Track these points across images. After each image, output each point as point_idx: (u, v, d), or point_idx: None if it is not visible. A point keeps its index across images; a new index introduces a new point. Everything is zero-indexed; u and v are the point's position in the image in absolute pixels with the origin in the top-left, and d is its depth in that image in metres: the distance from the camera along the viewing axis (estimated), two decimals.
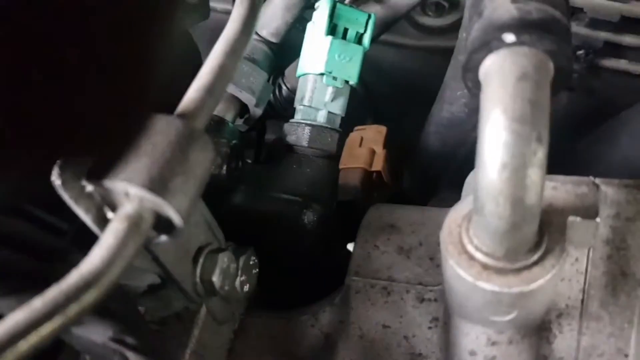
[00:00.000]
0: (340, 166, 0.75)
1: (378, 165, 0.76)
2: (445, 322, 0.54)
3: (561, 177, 0.53)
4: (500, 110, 0.38)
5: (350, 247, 0.77)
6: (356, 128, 0.81)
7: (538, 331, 0.50)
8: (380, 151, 0.78)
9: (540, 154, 0.38)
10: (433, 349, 0.55)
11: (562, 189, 0.51)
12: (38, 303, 0.33)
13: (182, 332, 0.56)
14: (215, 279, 0.50)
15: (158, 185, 0.38)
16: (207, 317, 0.58)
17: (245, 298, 0.63)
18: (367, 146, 0.78)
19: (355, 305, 0.58)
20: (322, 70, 0.69)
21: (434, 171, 0.75)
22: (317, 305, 0.62)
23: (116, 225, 0.37)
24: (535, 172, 0.38)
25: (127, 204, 0.38)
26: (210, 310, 0.57)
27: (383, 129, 0.81)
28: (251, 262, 0.58)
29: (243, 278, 0.57)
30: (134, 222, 0.38)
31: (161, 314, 0.54)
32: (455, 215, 0.48)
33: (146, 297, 0.49)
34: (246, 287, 0.57)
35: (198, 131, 0.39)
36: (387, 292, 0.58)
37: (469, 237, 0.45)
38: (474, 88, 0.62)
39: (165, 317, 0.57)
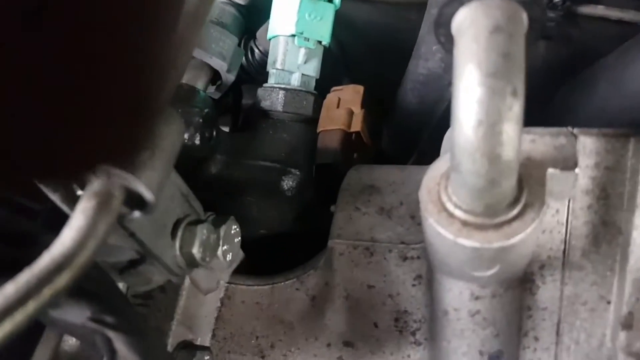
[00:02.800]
0: (319, 129, 0.74)
1: (357, 125, 0.75)
2: (428, 279, 0.54)
3: (539, 129, 0.52)
4: (474, 66, 0.37)
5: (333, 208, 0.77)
6: (333, 89, 0.80)
7: (521, 283, 0.50)
8: (358, 111, 0.76)
9: (516, 109, 0.38)
10: (418, 305, 0.55)
11: (540, 142, 0.51)
12: (10, 289, 0.32)
13: (168, 304, 0.56)
14: (195, 251, 0.50)
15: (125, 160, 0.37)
16: (192, 287, 0.58)
17: (229, 267, 0.63)
18: (345, 107, 0.76)
19: (339, 267, 0.58)
20: (293, 32, 0.67)
21: (412, 129, 0.75)
22: (301, 269, 0.62)
23: (85, 203, 0.36)
24: (511, 127, 0.38)
25: (95, 181, 0.37)
26: (193, 281, 0.57)
27: (360, 89, 0.80)
28: (232, 231, 0.57)
29: (225, 247, 0.56)
30: (104, 200, 0.37)
31: (144, 289, 0.53)
32: (433, 173, 0.47)
33: (126, 273, 0.48)
34: (229, 256, 0.57)
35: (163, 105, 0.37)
36: (370, 252, 0.58)
37: (447, 195, 0.44)
38: (447, 43, 0.61)
39: (149, 291, 0.57)
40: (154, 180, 0.40)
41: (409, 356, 0.55)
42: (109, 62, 0.28)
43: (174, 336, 0.54)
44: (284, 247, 0.68)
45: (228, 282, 0.63)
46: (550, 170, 0.45)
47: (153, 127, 0.39)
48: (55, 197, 0.38)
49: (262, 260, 0.66)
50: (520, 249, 0.44)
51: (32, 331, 0.41)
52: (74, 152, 0.31)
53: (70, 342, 0.50)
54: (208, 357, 0.55)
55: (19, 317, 0.32)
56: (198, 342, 0.59)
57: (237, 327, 0.61)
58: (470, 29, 0.38)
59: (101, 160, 0.36)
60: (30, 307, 0.32)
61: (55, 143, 0.30)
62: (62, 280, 0.34)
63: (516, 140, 0.39)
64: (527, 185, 0.44)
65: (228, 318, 0.61)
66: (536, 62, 0.73)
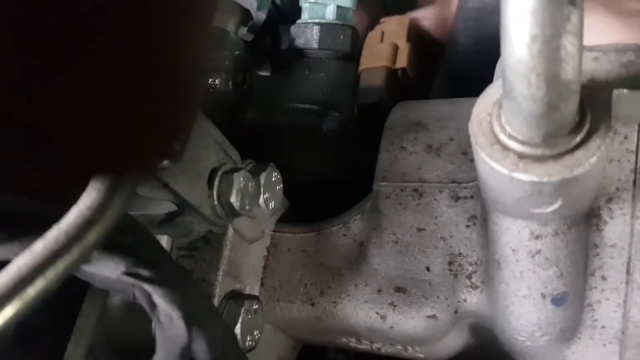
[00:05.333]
0: (361, 67, 0.70)
1: (403, 61, 0.70)
2: (484, 219, 0.51)
3: (602, 45, 0.47)
4: None
5: None
6: (380, 21, 0.75)
7: (586, 219, 0.46)
8: (404, 45, 0.71)
9: (574, 19, 0.33)
10: (473, 247, 0.52)
11: (604, 59, 0.45)
12: (39, 247, 0.31)
13: (212, 255, 0.55)
14: (233, 199, 0.48)
15: None
16: (236, 237, 0.56)
17: (273, 215, 0.61)
18: (389, 41, 0.71)
19: (386, 211, 0.55)
20: None
21: (467, 73, 0.69)
22: (346, 214, 0.60)
23: None
24: (570, 42, 0.33)
25: None
26: (237, 230, 0.56)
27: (405, 20, 0.74)
28: (273, 179, 0.55)
29: (267, 195, 0.54)
30: None
31: (185, 240, 0.52)
32: (483, 102, 0.43)
33: (165, 225, 0.47)
34: (272, 204, 0.55)
35: None
36: (418, 194, 0.54)
37: (500, 126, 0.40)
38: None
39: (193, 242, 0.56)
40: None
41: (464, 300, 0.52)
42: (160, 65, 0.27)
43: (221, 287, 0.53)
44: (328, 193, 0.65)
45: (273, 231, 0.62)
46: (617, 91, 0.40)
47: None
48: None
49: (306, 206, 0.64)
50: (584, 181, 0.39)
51: (77, 286, 0.41)
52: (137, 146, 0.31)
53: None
54: (257, 306, 0.54)
55: (51, 275, 0.31)
56: (247, 292, 0.58)
57: (284, 275, 0.60)
58: None
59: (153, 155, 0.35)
60: (61, 264, 0.31)
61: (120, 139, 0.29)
62: (92, 236, 0.32)
63: (577, 56, 0.34)
64: (591, 109, 0.40)
65: (275, 266, 0.60)
66: None
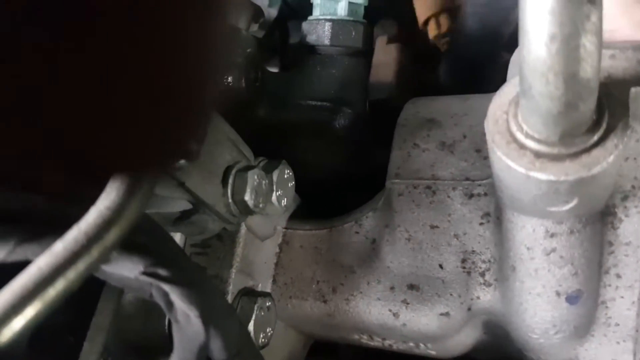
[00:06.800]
0: (421, 20, 0.70)
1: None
2: (498, 217, 0.51)
3: (619, 43, 0.46)
4: None
5: None
6: None
7: (601, 217, 0.46)
8: None
9: (594, 18, 0.32)
10: (486, 245, 0.52)
11: (621, 56, 0.45)
12: (59, 247, 0.31)
13: (226, 252, 0.55)
14: (248, 197, 0.48)
15: None
16: (248, 234, 0.56)
17: (285, 212, 0.61)
18: None
19: (399, 208, 0.55)
20: None
21: (475, 59, 0.68)
22: (359, 211, 0.60)
23: None
24: (590, 41, 0.33)
25: None
26: (250, 228, 0.56)
27: None
28: (285, 176, 0.55)
29: (279, 192, 0.54)
30: None
31: (200, 238, 0.52)
32: (500, 100, 0.43)
33: (180, 223, 0.47)
34: (284, 202, 0.55)
35: None
36: (431, 191, 0.54)
37: (517, 124, 0.40)
38: None
39: (207, 240, 0.56)
40: None
41: (478, 298, 0.52)
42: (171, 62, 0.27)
43: (234, 284, 0.54)
44: (340, 189, 0.65)
45: (285, 227, 0.62)
46: (635, 89, 0.40)
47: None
48: None
49: (318, 203, 0.64)
50: (601, 180, 0.39)
51: (94, 284, 0.41)
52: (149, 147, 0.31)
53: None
54: (269, 303, 0.54)
55: (71, 275, 0.31)
56: (259, 289, 0.58)
57: (297, 272, 0.60)
58: None
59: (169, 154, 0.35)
60: (81, 265, 0.31)
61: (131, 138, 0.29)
62: (111, 236, 0.32)
63: (596, 55, 0.34)
64: (608, 108, 0.39)
65: (287, 263, 0.60)
66: None
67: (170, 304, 0.36)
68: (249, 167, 0.49)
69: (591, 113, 0.38)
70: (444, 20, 0.72)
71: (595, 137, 0.38)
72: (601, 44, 0.34)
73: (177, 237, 0.55)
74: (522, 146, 0.39)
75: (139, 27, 0.26)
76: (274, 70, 0.80)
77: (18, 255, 0.34)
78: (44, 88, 0.24)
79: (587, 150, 0.38)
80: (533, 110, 0.37)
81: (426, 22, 0.74)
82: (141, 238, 0.37)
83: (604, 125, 0.39)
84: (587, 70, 0.34)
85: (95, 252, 0.32)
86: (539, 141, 0.38)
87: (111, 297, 0.46)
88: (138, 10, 0.25)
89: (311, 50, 0.63)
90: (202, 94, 0.32)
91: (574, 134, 0.38)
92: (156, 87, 0.29)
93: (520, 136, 0.39)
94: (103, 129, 0.28)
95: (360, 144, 0.64)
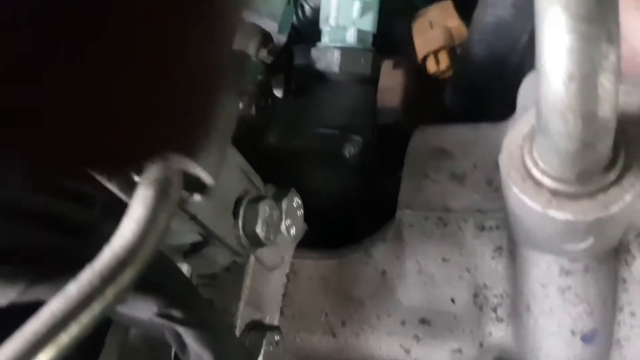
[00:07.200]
0: (420, 56, 0.73)
1: (462, 35, 0.73)
2: (510, 251, 0.50)
3: (634, 78, 0.46)
4: (561, 8, 0.32)
5: None
6: (417, 14, 0.77)
7: (615, 254, 0.45)
8: (457, 23, 0.74)
9: (612, 57, 0.32)
10: (499, 279, 0.51)
11: (636, 93, 0.45)
12: (73, 290, 0.31)
13: (234, 284, 0.54)
14: (259, 229, 0.47)
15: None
16: (257, 265, 0.56)
17: (293, 241, 0.60)
18: (440, 25, 0.74)
19: (410, 240, 0.55)
20: None
21: (481, 85, 0.68)
22: (368, 241, 0.59)
23: (144, 192, 0.34)
24: (608, 80, 0.33)
25: (152, 168, 0.35)
26: (258, 258, 0.55)
27: (448, 3, 0.75)
28: (294, 205, 0.55)
29: (288, 222, 0.54)
30: (163, 187, 0.34)
31: (209, 271, 0.52)
32: (514, 135, 0.42)
33: (190, 256, 0.46)
34: (293, 231, 0.54)
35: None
36: (443, 223, 0.54)
37: (533, 160, 0.40)
38: None
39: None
40: (212, 162, 0.37)
41: (490, 333, 0.51)
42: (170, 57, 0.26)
43: (242, 317, 0.53)
44: (348, 217, 0.65)
45: (293, 257, 0.61)
46: None
47: (216, 105, 0.36)
48: (112, 186, 0.36)
49: (326, 231, 0.63)
50: (618, 218, 0.39)
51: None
52: (135, 138, 0.29)
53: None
54: (278, 337, 0.54)
55: (85, 319, 0.30)
56: (267, 321, 0.57)
57: (305, 304, 0.59)
58: None
59: (163, 146, 0.33)
60: (96, 307, 0.31)
61: (115, 129, 0.27)
62: (126, 277, 0.32)
63: (613, 94, 0.34)
64: (624, 146, 0.39)
65: (295, 294, 0.59)
66: None
67: (183, 346, 0.35)
68: (260, 198, 0.49)
69: (608, 151, 0.37)
70: (443, 56, 0.73)
71: (612, 176, 0.38)
72: (619, 83, 0.34)
73: (184, 268, 0.54)
74: (538, 183, 0.39)
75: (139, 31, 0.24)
76: (278, 90, 0.80)
77: (30, 296, 0.33)
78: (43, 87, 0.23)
79: (605, 189, 0.38)
80: (550, 148, 0.37)
81: (425, 58, 0.75)
82: (154, 276, 0.36)
83: (620, 164, 0.38)
84: (606, 109, 0.34)
85: (110, 294, 0.31)
86: (555, 179, 0.38)
87: (118, 332, 0.45)
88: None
89: (320, 76, 0.63)
90: (204, 85, 0.31)
91: (591, 172, 0.37)
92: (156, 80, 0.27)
93: (536, 172, 0.39)
94: (99, 126, 0.26)
95: (370, 170, 0.63)
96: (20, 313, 0.32)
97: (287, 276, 0.60)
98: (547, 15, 0.32)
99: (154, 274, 0.36)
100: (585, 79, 0.32)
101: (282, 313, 0.59)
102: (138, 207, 0.34)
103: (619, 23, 0.32)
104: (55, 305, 0.30)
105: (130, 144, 0.28)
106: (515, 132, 0.43)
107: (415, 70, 0.81)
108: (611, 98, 0.33)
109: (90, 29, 0.22)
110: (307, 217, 0.57)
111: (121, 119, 0.26)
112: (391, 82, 0.79)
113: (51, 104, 0.23)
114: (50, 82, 0.22)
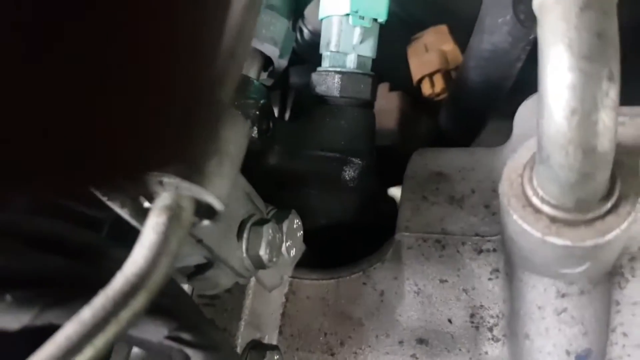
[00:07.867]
0: (415, 79, 0.75)
1: (457, 58, 0.75)
2: (507, 273, 0.51)
3: (627, 109, 0.48)
4: (564, 47, 0.33)
5: (393, 191, 0.75)
6: (412, 38, 0.78)
7: (609, 277, 0.47)
8: (452, 47, 0.75)
9: (612, 94, 0.34)
10: (495, 300, 0.52)
11: (631, 125, 0.47)
12: (87, 314, 0.31)
13: (234, 304, 0.55)
14: (262, 252, 0.48)
15: (193, 170, 0.35)
16: (257, 286, 0.56)
17: (293, 262, 0.61)
18: (435, 49, 0.76)
19: (408, 261, 0.56)
20: (347, 11, 0.63)
21: (476, 109, 0.70)
22: (366, 262, 0.60)
23: (155, 219, 0.35)
24: (608, 115, 0.34)
25: (163, 194, 0.36)
26: (258, 279, 0.56)
27: (443, 28, 0.77)
28: (295, 226, 0.56)
29: (289, 243, 0.54)
30: (174, 214, 0.35)
31: (211, 292, 0.52)
32: (514, 164, 0.44)
33: (194, 278, 0.47)
34: (293, 252, 0.55)
35: (225, 104, 0.35)
36: (441, 245, 0.55)
37: (533, 189, 0.41)
38: (527, 20, 0.56)
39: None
40: (222, 189, 0.38)
41: (486, 353, 0.52)
42: (157, 48, 0.25)
43: (243, 337, 0.53)
44: (346, 238, 0.66)
45: (291, 277, 0.62)
46: None
47: (216, 125, 0.36)
48: (123, 212, 0.37)
49: (325, 252, 0.64)
50: (613, 244, 0.40)
51: None
52: (130, 153, 0.29)
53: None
54: (277, 357, 0.54)
55: (99, 343, 0.31)
56: (266, 341, 0.58)
57: (304, 324, 0.59)
58: (557, 5, 0.34)
59: (160, 161, 0.34)
60: (110, 331, 0.31)
61: (109, 142, 0.27)
62: (139, 302, 0.32)
63: (613, 129, 0.35)
64: (620, 175, 0.41)
65: (294, 314, 0.60)
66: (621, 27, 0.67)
67: None
68: (263, 221, 0.49)
69: (606, 182, 0.39)
70: (438, 80, 0.75)
71: (609, 205, 0.39)
72: (617, 118, 0.35)
73: (185, 287, 0.54)
74: (537, 210, 0.40)
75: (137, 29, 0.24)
76: (274, 108, 0.81)
77: (43, 320, 0.33)
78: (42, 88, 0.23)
79: (602, 217, 0.39)
80: (550, 179, 0.38)
81: (420, 80, 0.76)
82: (163, 300, 0.36)
83: (616, 193, 0.40)
84: (605, 144, 0.35)
85: (123, 319, 0.32)
86: (554, 207, 0.40)
87: (122, 352, 0.45)
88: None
89: (321, 100, 0.64)
90: (203, 94, 0.31)
91: (589, 201, 0.39)
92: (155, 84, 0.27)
93: (536, 200, 0.41)
94: (99, 129, 0.26)
95: (369, 193, 0.64)
96: (32, 337, 0.32)
97: (286, 296, 0.61)
98: (551, 53, 0.34)
99: (163, 297, 0.37)
100: (587, 115, 0.34)
101: (280, 332, 0.59)
102: (150, 234, 0.34)
103: (619, 62, 0.34)
104: (70, 329, 0.31)
105: (130, 149, 0.28)
106: (516, 161, 0.44)
107: (410, 93, 0.83)
108: (610, 133, 0.35)
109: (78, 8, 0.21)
110: (306, 238, 0.58)
111: (118, 118, 0.26)
112: (387, 104, 0.81)
113: (52, 105, 0.23)
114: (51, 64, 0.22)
